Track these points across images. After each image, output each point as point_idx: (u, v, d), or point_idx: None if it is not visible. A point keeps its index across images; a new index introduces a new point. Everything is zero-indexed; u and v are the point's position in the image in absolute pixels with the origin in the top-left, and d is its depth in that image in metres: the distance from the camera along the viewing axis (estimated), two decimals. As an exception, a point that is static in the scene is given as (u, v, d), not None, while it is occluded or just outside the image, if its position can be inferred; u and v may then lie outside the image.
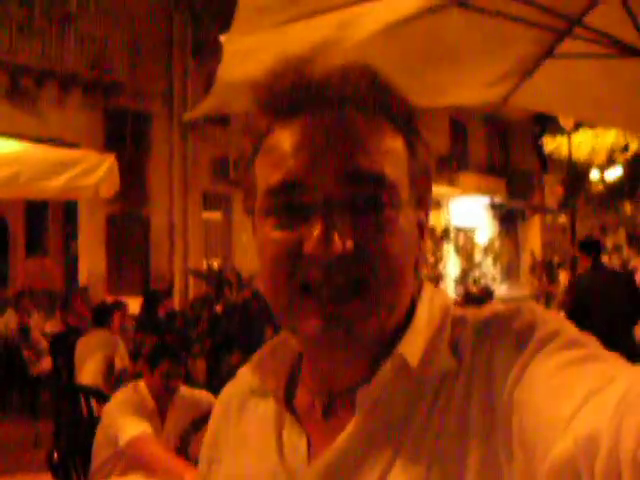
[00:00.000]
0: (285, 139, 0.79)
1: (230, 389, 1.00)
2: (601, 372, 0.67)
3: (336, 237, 0.74)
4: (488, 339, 0.79)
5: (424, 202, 0.86)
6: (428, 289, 0.88)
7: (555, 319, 0.78)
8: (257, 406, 0.93)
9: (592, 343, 0.74)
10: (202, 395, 4.00)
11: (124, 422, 3.54)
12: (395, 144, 0.80)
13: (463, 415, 0.75)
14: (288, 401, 0.89)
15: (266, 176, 0.79)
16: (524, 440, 0.68)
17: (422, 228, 0.86)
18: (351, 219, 0.76)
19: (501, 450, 0.71)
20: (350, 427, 0.80)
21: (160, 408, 3.84)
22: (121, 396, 3.77)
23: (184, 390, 3.96)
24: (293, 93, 0.79)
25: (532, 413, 0.68)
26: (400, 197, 0.79)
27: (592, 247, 6.57)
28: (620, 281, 6.63)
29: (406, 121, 0.83)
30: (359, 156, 0.76)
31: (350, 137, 0.77)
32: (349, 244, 0.74)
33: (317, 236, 0.74)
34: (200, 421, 3.68)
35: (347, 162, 0.76)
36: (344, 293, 0.76)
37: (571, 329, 0.76)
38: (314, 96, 0.79)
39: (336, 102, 0.78)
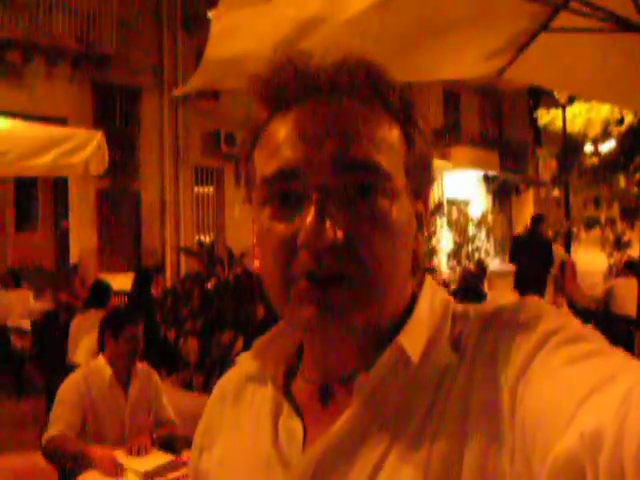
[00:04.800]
0: (281, 129, 0.80)
1: (228, 377, 1.01)
2: (605, 368, 0.66)
3: (328, 226, 0.74)
4: (492, 332, 0.79)
5: (422, 193, 0.86)
6: (429, 283, 0.88)
7: (559, 313, 0.78)
8: (254, 394, 0.94)
9: (596, 338, 0.73)
10: (146, 367, 4.12)
11: (54, 415, 3.69)
12: (391, 134, 0.81)
13: (464, 409, 0.75)
14: (286, 389, 0.90)
15: (262, 166, 0.81)
16: (526, 435, 0.68)
17: (420, 219, 0.86)
18: (344, 208, 0.76)
19: (504, 443, 0.70)
20: (346, 414, 0.80)
21: (121, 378, 3.93)
22: (71, 379, 3.87)
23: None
24: (291, 85, 0.80)
25: (535, 408, 0.68)
26: (394, 187, 0.79)
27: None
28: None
29: (403, 112, 0.83)
30: (352, 145, 0.77)
31: (344, 126, 0.78)
32: (339, 234, 0.75)
33: (309, 226, 0.74)
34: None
35: (340, 150, 0.76)
36: (335, 282, 0.76)
37: (575, 323, 0.76)
38: (311, 87, 0.80)
39: (332, 92, 0.80)
